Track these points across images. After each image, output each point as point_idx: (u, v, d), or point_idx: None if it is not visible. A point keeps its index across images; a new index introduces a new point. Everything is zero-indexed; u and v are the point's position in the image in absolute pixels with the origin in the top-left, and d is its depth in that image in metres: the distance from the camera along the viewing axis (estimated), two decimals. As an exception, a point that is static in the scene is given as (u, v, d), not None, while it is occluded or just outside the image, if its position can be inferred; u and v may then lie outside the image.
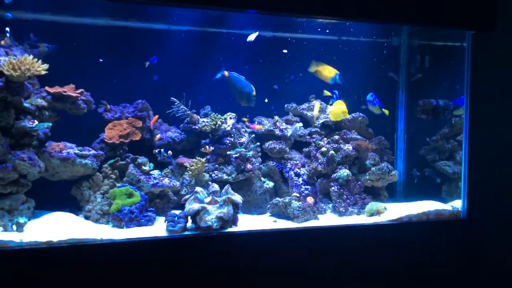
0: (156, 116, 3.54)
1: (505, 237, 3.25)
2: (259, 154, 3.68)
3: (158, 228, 2.90)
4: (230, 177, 3.41)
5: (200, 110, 3.67)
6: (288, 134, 3.72)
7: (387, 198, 3.75)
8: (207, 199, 2.96)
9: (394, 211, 3.32)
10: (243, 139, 3.57)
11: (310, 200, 3.31)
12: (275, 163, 3.66)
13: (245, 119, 3.72)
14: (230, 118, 3.62)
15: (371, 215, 3.31)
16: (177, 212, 2.95)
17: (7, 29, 2.92)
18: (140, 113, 3.50)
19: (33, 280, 2.34)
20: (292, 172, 3.58)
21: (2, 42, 2.88)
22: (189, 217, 2.82)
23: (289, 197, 3.29)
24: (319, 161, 3.64)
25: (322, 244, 2.90)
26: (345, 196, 3.50)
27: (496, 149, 3.21)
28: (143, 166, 3.28)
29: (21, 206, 2.84)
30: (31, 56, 2.81)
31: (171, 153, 3.33)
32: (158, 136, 3.48)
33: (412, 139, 4.10)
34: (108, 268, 2.46)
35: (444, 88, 3.96)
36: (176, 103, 3.48)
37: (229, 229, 2.84)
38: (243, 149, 3.46)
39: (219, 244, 2.72)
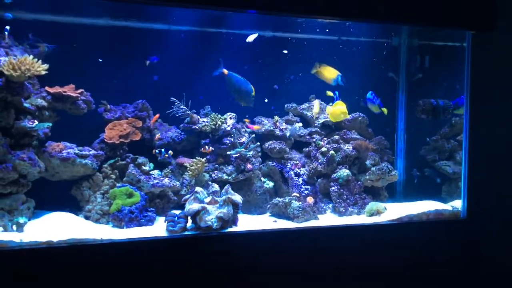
0: (157, 115, 3.54)
1: (505, 237, 3.25)
2: (259, 154, 3.68)
3: (158, 228, 2.91)
4: (230, 177, 3.41)
5: (200, 110, 3.67)
6: (287, 134, 3.72)
7: (387, 198, 3.75)
8: (207, 199, 2.96)
9: (394, 211, 3.32)
10: (243, 139, 3.57)
11: (310, 200, 3.31)
12: (275, 163, 3.66)
13: (246, 120, 3.72)
14: (230, 118, 3.62)
15: (371, 215, 3.31)
16: (177, 212, 2.95)
17: (8, 27, 2.92)
18: (140, 113, 3.51)
19: (33, 280, 2.34)
20: (292, 172, 3.58)
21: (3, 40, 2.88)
22: (189, 217, 2.82)
23: (289, 197, 3.29)
24: (319, 161, 3.64)
25: (322, 244, 2.90)
26: (345, 196, 3.50)
27: (496, 149, 3.21)
28: (143, 166, 3.28)
29: (21, 206, 2.84)
30: (31, 56, 2.81)
31: (171, 153, 3.33)
32: (158, 135, 3.49)
33: (412, 139, 4.10)
34: (108, 268, 2.46)
35: (444, 88, 3.96)
36: (176, 103, 3.48)
37: (229, 229, 2.84)
38: (243, 149, 3.46)
39: (219, 244, 2.72)
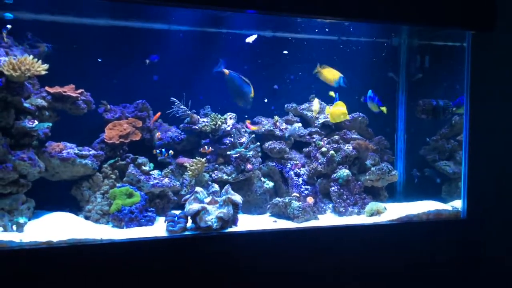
0: (158, 113, 3.53)
1: (505, 237, 3.25)
2: (259, 154, 3.68)
3: (158, 228, 2.91)
4: (230, 177, 3.41)
5: (200, 110, 3.67)
6: (286, 135, 3.72)
7: (387, 198, 3.75)
8: (207, 199, 2.96)
9: (394, 211, 3.32)
10: (243, 139, 3.57)
11: (310, 200, 3.31)
12: (275, 163, 3.66)
13: (248, 121, 3.71)
14: (230, 118, 3.62)
15: (371, 215, 3.31)
16: (177, 212, 2.95)
17: (9, 26, 2.91)
18: (140, 113, 3.51)
19: (33, 280, 2.34)
20: (292, 172, 3.58)
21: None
22: (189, 217, 2.82)
23: (289, 197, 3.29)
24: (319, 161, 3.64)
25: (322, 244, 2.90)
26: (345, 196, 3.50)
27: (496, 149, 3.21)
28: (143, 166, 3.28)
29: (21, 206, 2.84)
30: (31, 56, 2.81)
31: (172, 152, 3.33)
32: (159, 134, 3.49)
33: (412, 139, 4.10)
34: (108, 268, 2.46)
35: (444, 88, 3.96)
36: (176, 103, 3.48)
37: (229, 229, 2.84)
38: (243, 149, 3.46)
39: (219, 244, 2.72)
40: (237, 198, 2.93)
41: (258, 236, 2.83)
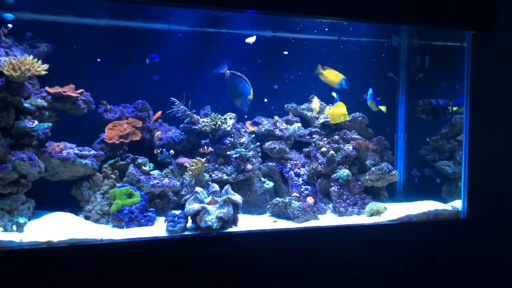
0: (160, 112, 3.52)
1: (505, 237, 3.25)
2: (259, 154, 3.68)
3: (158, 228, 2.90)
4: (230, 177, 3.41)
5: (200, 110, 3.67)
6: (286, 135, 3.71)
7: (387, 198, 3.75)
8: (207, 199, 2.96)
9: (394, 211, 3.32)
10: (243, 139, 3.57)
11: (310, 200, 3.31)
12: (275, 163, 3.66)
13: (249, 122, 3.71)
14: (230, 118, 3.62)
15: (371, 215, 3.31)
16: (177, 212, 2.95)
17: (10, 25, 2.90)
18: (140, 113, 3.51)
19: (33, 280, 2.34)
20: (292, 172, 3.58)
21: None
22: (189, 217, 2.82)
23: (289, 197, 3.29)
24: (319, 161, 3.64)
25: (322, 244, 2.90)
26: (345, 196, 3.50)
27: (496, 149, 3.21)
28: (143, 166, 3.28)
29: (21, 206, 2.84)
30: (31, 56, 2.81)
31: (173, 152, 3.33)
32: (159, 133, 3.49)
33: (412, 139, 4.10)
34: (108, 268, 2.46)
35: (444, 88, 3.96)
36: (176, 103, 3.48)
37: (229, 229, 2.84)
38: (243, 149, 3.46)
39: (219, 244, 2.72)
40: (237, 198, 2.93)
41: (258, 236, 2.83)
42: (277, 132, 3.73)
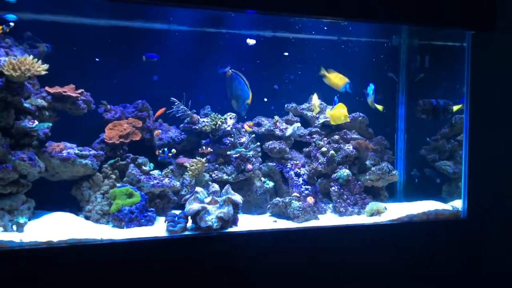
0: (164, 109, 3.51)
1: (505, 237, 3.25)
2: (259, 154, 3.68)
3: (158, 228, 2.90)
4: (230, 177, 3.41)
5: (200, 110, 3.67)
6: (286, 134, 3.71)
7: (387, 198, 3.75)
8: (207, 199, 2.96)
9: (394, 211, 3.32)
10: (243, 139, 3.57)
11: (310, 200, 3.31)
12: (275, 163, 3.66)
13: (251, 123, 3.71)
14: (230, 118, 3.62)
15: (371, 215, 3.31)
16: (177, 212, 2.95)
17: (11, 24, 2.90)
18: (140, 113, 3.51)
19: (33, 280, 2.34)
20: (292, 172, 3.58)
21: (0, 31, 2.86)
22: (189, 217, 2.82)
23: (289, 197, 3.29)
24: (319, 161, 3.64)
25: (322, 244, 2.90)
26: (345, 196, 3.50)
27: (496, 149, 3.21)
28: (143, 166, 3.28)
29: (21, 206, 2.84)
30: (31, 56, 2.81)
31: (174, 151, 3.33)
32: (159, 131, 3.48)
33: (412, 139, 4.10)
34: (108, 268, 2.46)
35: (444, 88, 3.96)
36: (176, 103, 3.48)
37: (229, 229, 2.84)
38: (243, 149, 3.46)
39: (219, 244, 2.72)
40: (237, 198, 2.93)
41: (258, 236, 2.83)
42: (277, 132, 3.73)
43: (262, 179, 3.61)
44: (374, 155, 3.78)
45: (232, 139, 3.51)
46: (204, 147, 3.42)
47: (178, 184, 3.32)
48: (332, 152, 3.61)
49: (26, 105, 2.91)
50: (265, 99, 3.83)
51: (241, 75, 3.48)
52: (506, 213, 3.25)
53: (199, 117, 3.59)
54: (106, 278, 2.45)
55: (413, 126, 4.07)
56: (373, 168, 3.64)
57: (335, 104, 3.62)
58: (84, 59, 3.37)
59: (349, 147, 3.67)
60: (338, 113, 3.55)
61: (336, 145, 3.69)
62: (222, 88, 3.54)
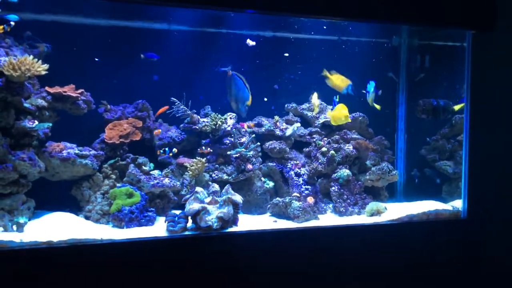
0: (166, 107, 3.50)
1: (505, 237, 3.25)
2: (260, 154, 3.68)
3: (158, 228, 2.91)
4: (230, 177, 3.41)
5: (200, 110, 3.67)
6: (287, 134, 3.71)
7: (387, 198, 3.75)
8: (207, 199, 2.96)
9: (394, 211, 3.32)
10: (244, 139, 3.57)
11: (310, 200, 3.31)
12: (275, 163, 3.66)
13: (251, 124, 3.71)
14: (230, 118, 3.62)
15: (372, 215, 3.31)
16: (178, 212, 2.95)
17: (12, 23, 2.89)
18: (140, 113, 3.51)
19: (33, 280, 2.34)
20: (292, 172, 3.58)
21: (1, 30, 2.85)
22: (189, 217, 2.82)
23: (289, 197, 3.29)
24: (320, 161, 3.64)
25: (322, 244, 2.90)
26: (345, 196, 3.50)
27: (496, 149, 3.21)
28: (143, 166, 3.28)
29: (21, 206, 2.84)
30: (31, 56, 2.81)
31: (176, 150, 3.33)
32: (159, 131, 3.48)
33: (412, 139, 4.10)
34: (108, 268, 2.46)
35: (444, 88, 3.96)
36: (176, 103, 3.48)
37: (230, 229, 2.84)
38: (243, 149, 3.46)
39: (219, 244, 2.72)
40: (237, 198, 2.93)
41: (258, 236, 2.83)
42: (278, 132, 3.73)
43: (262, 179, 3.61)
44: (374, 155, 3.78)
45: (232, 139, 3.51)
46: (203, 147, 3.42)
47: (178, 184, 3.32)
48: (332, 152, 3.61)
49: (26, 105, 2.91)
50: (265, 99, 3.83)
51: (241, 77, 3.48)
52: (506, 213, 3.25)
53: (199, 117, 3.59)
54: (106, 278, 2.45)
55: (413, 126, 4.07)
56: (373, 168, 3.64)
57: (334, 105, 3.62)
58: (84, 59, 3.37)
59: (349, 147, 3.67)
60: (339, 113, 3.54)
61: (336, 145, 3.69)
62: (222, 88, 3.54)
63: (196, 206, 2.78)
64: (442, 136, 4.05)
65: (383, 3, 2.82)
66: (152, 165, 3.35)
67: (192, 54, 3.65)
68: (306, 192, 3.46)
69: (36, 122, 2.88)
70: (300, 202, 3.21)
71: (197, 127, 3.54)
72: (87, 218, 3.08)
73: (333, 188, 3.52)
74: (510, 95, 3.26)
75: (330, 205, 3.57)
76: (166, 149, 3.32)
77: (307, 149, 3.80)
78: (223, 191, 3.02)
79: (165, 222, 2.84)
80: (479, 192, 3.18)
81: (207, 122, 3.54)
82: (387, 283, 3.03)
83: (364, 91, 3.64)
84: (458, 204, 3.34)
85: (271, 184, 3.60)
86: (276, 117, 3.80)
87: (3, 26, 2.84)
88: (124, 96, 3.55)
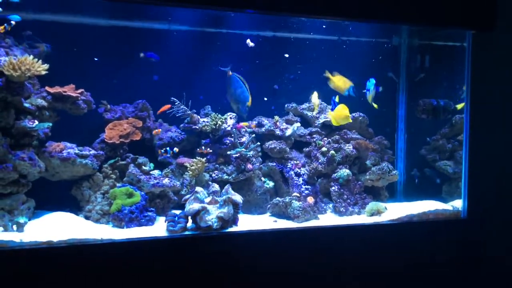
0: (169, 106, 3.50)
1: (505, 237, 3.25)
2: (260, 154, 3.68)
3: (158, 228, 2.91)
4: (230, 177, 3.41)
5: (201, 110, 3.67)
6: (287, 134, 3.71)
7: (387, 198, 3.75)
8: (207, 199, 2.96)
9: (394, 211, 3.32)
10: (244, 139, 3.57)
11: (310, 200, 3.31)
12: (275, 163, 3.66)
13: (253, 125, 3.71)
14: (231, 118, 3.62)
15: (372, 215, 3.31)
16: (177, 212, 2.95)
17: (13, 22, 2.89)
18: (140, 113, 3.51)
19: (33, 280, 2.34)
20: (292, 172, 3.58)
21: (2, 30, 2.85)
22: (189, 217, 2.82)
23: (289, 197, 3.29)
24: (320, 161, 3.64)
25: (322, 244, 2.90)
26: (345, 196, 3.50)
27: (496, 149, 3.21)
28: (143, 166, 3.29)
29: (21, 206, 2.84)
30: (31, 56, 2.81)
31: (177, 150, 3.33)
32: (159, 130, 3.48)
33: (412, 139, 4.10)
34: (108, 268, 2.46)
35: (444, 88, 3.96)
36: (176, 103, 3.48)
37: (230, 229, 2.84)
38: (243, 149, 3.46)
39: (219, 244, 2.72)
40: (238, 198, 2.93)
41: (258, 236, 2.83)
42: (278, 132, 3.73)
43: (262, 179, 3.61)
44: (374, 155, 3.78)
45: (232, 139, 3.51)
46: (203, 147, 3.42)
47: (178, 184, 3.32)
48: (332, 152, 3.61)
49: (26, 105, 2.91)
50: (265, 99, 3.83)
51: (240, 78, 3.48)
52: (506, 213, 3.25)
53: (199, 117, 3.59)
54: (106, 278, 2.45)
55: (413, 126, 4.07)
56: (373, 168, 3.64)
57: (334, 105, 3.62)
58: (84, 59, 3.37)
59: (349, 147, 3.67)
60: (341, 114, 3.54)
61: (336, 145, 3.69)
62: (222, 88, 3.54)
63: (196, 206, 2.78)
64: (442, 136, 4.05)
65: (383, 3, 2.82)
66: (152, 165, 3.35)
67: (192, 54, 3.65)
68: (306, 192, 3.46)
69: (36, 122, 2.88)
70: (300, 202, 3.21)
71: (197, 127, 3.54)
72: (87, 218, 3.08)
73: (333, 188, 3.52)
74: (510, 95, 3.26)
75: (330, 205, 3.57)
76: (168, 148, 3.32)
77: (307, 149, 3.80)
78: (223, 191, 3.02)
79: (165, 222, 2.84)
80: (479, 192, 3.18)
81: (207, 122, 3.54)
82: (387, 283, 3.03)
83: (364, 91, 3.63)
84: (458, 204, 3.34)
85: (271, 184, 3.60)
86: (276, 117, 3.80)
87: (4, 26, 2.84)
88: (124, 96, 3.55)
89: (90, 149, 3.22)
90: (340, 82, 3.64)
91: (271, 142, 3.68)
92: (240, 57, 3.65)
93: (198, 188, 2.99)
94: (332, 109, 3.64)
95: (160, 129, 3.55)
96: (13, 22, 2.87)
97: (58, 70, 3.04)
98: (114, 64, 3.45)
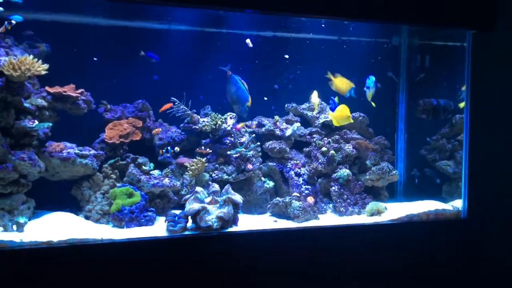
0: (170, 104, 3.49)
1: (505, 237, 3.25)
2: (260, 154, 3.68)
3: (158, 228, 2.91)
4: (230, 177, 3.41)
5: (201, 110, 3.67)
6: (287, 134, 3.71)
7: (387, 198, 3.75)
8: (208, 199, 2.96)
9: (394, 211, 3.32)
10: (244, 139, 3.57)
11: (310, 200, 3.31)
12: (275, 163, 3.66)
13: (254, 125, 3.71)
14: (231, 118, 3.62)
15: (372, 215, 3.31)
16: (178, 212, 2.95)
17: (13, 22, 2.89)
18: (140, 113, 3.51)
19: (33, 280, 2.34)
20: (292, 172, 3.58)
21: (3, 30, 2.85)
22: (189, 217, 2.82)
23: (289, 197, 3.29)
24: (320, 161, 3.64)
25: (322, 244, 2.90)
26: (345, 196, 3.50)
27: (496, 149, 3.21)
28: (143, 166, 3.29)
29: (21, 206, 2.84)
30: (31, 56, 2.81)
31: (178, 149, 3.33)
32: (159, 130, 3.48)
33: (412, 139, 4.10)
34: (108, 268, 2.46)
35: (444, 88, 3.96)
36: (176, 103, 3.47)
37: (230, 229, 2.84)
38: (243, 149, 3.46)
39: (219, 244, 2.72)
40: (238, 198, 2.93)
41: (258, 236, 2.83)
42: (278, 132, 3.73)
43: (262, 179, 3.61)
44: (374, 155, 3.78)
45: (232, 139, 3.51)
46: (203, 147, 3.42)
47: (178, 184, 3.32)
48: (332, 152, 3.61)
49: (26, 105, 2.91)
50: (265, 98, 3.83)
51: (240, 79, 3.48)
52: (506, 213, 3.25)
53: (199, 117, 3.59)
54: (106, 278, 2.45)
55: (413, 126, 4.07)
56: (373, 168, 3.64)
57: (335, 105, 3.61)
58: (84, 59, 3.37)
59: (349, 147, 3.67)
60: (342, 114, 3.54)
61: (336, 145, 3.69)
62: (222, 88, 3.54)
63: (196, 206, 2.78)
64: (442, 136, 4.05)
65: (383, 3, 2.82)
66: (152, 165, 3.35)
67: (192, 54, 3.65)
68: (306, 192, 3.46)
69: (36, 122, 2.88)
70: (300, 202, 3.21)
71: (197, 127, 3.54)
72: (87, 218, 3.08)
73: (333, 188, 3.52)
74: (510, 95, 3.26)
75: (330, 205, 3.57)
76: (169, 148, 3.32)
77: (307, 149, 3.80)
78: (223, 191, 3.02)
79: (165, 222, 2.84)
80: (479, 192, 3.18)
81: (207, 122, 3.54)
82: (387, 283, 3.03)
83: (364, 88, 3.63)
84: (458, 204, 3.34)
85: (271, 184, 3.60)
86: (276, 117, 3.80)
87: (4, 25, 2.84)
88: (124, 96, 3.55)
89: (90, 149, 3.22)
90: (341, 83, 3.64)
91: (271, 142, 3.68)
92: (240, 57, 3.65)
93: (198, 188, 2.99)
94: (332, 109, 3.64)
95: (160, 129, 3.55)
96: (13, 22, 2.87)
97: (58, 70, 3.04)
98: (114, 64, 3.45)
